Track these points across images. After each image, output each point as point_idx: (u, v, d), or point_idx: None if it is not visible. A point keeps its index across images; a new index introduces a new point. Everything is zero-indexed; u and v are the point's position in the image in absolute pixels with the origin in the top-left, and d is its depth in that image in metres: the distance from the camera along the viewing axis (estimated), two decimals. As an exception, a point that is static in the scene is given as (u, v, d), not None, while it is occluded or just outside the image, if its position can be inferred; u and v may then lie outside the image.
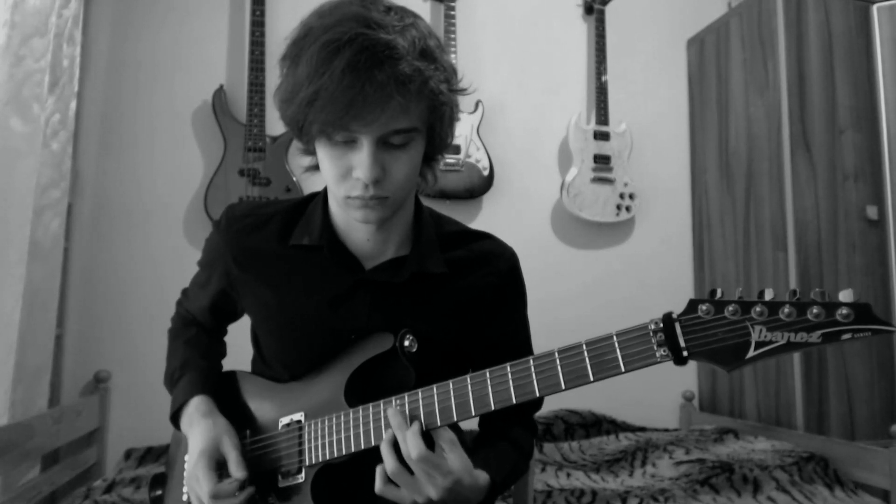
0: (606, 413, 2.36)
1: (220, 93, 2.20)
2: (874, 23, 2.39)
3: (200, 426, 0.88)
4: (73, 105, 1.93)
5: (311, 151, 0.86)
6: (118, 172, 2.17)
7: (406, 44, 0.75)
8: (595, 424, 2.29)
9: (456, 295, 0.92)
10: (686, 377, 2.64)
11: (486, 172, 2.42)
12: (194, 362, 0.98)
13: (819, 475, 1.83)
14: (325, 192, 0.94)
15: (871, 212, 2.31)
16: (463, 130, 2.40)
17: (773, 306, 0.64)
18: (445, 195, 2.35)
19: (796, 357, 2.19)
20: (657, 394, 2.55)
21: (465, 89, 0.86)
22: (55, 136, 1.80)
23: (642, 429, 2.34)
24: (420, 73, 0.75)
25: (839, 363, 2.22)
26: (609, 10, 2.69)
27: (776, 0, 2.36)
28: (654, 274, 2.68)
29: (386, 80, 0.73)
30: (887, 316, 2.29)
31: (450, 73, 0.82)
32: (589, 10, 2.71)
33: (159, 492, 0.98)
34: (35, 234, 1.69)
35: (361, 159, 0.77)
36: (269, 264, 0.92)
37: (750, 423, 2.33)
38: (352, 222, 0.89)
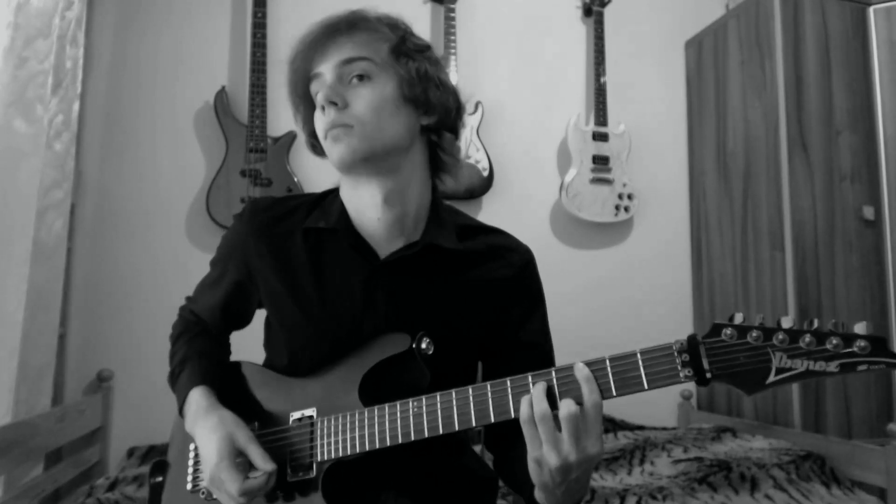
0: (605, 412, 2.37)
1: (221, 94, 2.21)
2: (871, 25, 2.41)
3: (206, 425, 0.87)
4: (76, 106, 1.94)
5: (312, 130, 0.94)
6: (121, 173, 2.18)
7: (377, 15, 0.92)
8: (594, 423, 2.30)
9: (470, 284, 0.93)
10: (684, 376, 2.65)
11: (485, 173, 2.44)
12: (193, 359, 0.98)
13: (816, 473, 1.85)
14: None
15: (868, 212, 2.33)
16: (462, 131, 2.42)
17: (794, 334, 0.66)
18: (445, 195, 2.35)
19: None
20: (655, 393, 2.54)
21: (427, 45, 0.94)
22: (58, 137, 1.82)
23: (641, 427, 2.35)
24: (373, 18, 0.91)
25: (836, 362, 2.23)
26: (608, 11, 2.70)
27: (773, 2, 2.38)
28: (653, 274, 2.69)
29: (335, 21, 0.89)
30: (884, 315, 2.31)
31: (406, 31, 0.93)
32: (588, 11, 2.73)
33: (160, 478, 0.98)
34: (38, 235, 1.70)
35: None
36: (289, 253, 0.94)
37: (747, 421, 2.34)
38: (362, 201, 0.92)
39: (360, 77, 0.87)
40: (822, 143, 2.34)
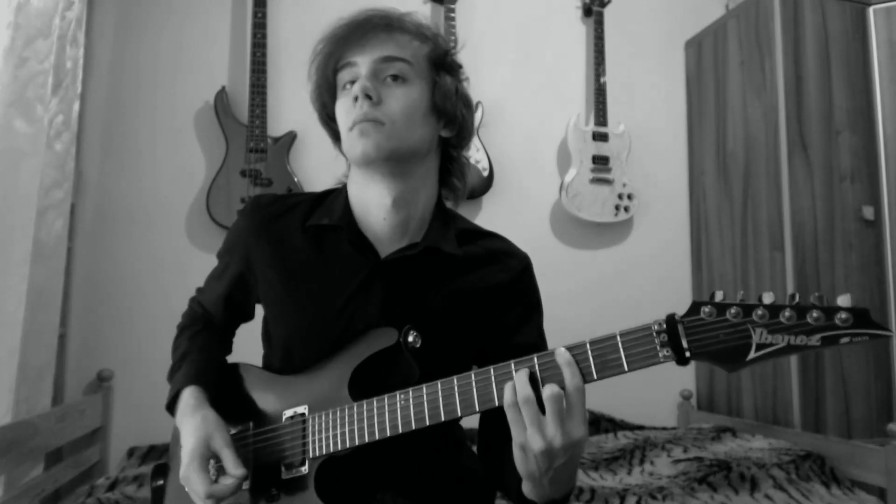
0: (605, 412, 2.38)
1: (221, 94, 2.21)
2: (870, 25, 2.41)
3: (189, 423, 0.87)
4: (77, 106, 1.94)
5: (333, 119, 0.94)
6: (121, 173, 2.18)
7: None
8: (594, 423, 2.31)
9: (468, 288, 0.93)
10: (684, 376, 2.65)
11: (485, 173, 2.44)
12: (192, 355, 0.99)
13: (816, 473, 1.85)
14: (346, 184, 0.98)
15: (868, 212, 2.33)
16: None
17: (774, 309, 0.66)
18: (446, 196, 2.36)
19: (793, 356, 2.21)
20: (655, 393, 2.57)
21: (461, 66, 0.99)
22: (58, 137, 1.82)
23: (640, 427, 2.36)
24: (418, 23, 0.92)
25: (836, 362, 2.24)
26: (608, 11, 2.71)
27: (773, 2, 2.38)
28: (653, 274, 2.69)
29: (382, 16, 0.90)
30: (884, 314, 2.31)
31: (448, 48, 0.96)
32: (588, 11, 2.73)
33: (161, 482, 0.99)
34: (38, 235, 1.70)
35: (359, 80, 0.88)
36: (288, 249, 0.95)
37: (747, 421, 2.34)
38: (371, 200, 0.92)
39: (395, 77, 0.88)
40: (822, 143, 2.34)
